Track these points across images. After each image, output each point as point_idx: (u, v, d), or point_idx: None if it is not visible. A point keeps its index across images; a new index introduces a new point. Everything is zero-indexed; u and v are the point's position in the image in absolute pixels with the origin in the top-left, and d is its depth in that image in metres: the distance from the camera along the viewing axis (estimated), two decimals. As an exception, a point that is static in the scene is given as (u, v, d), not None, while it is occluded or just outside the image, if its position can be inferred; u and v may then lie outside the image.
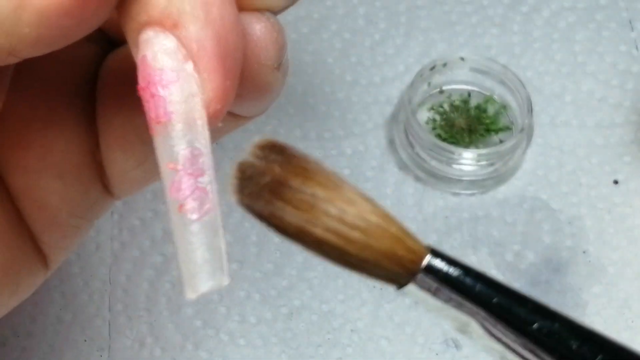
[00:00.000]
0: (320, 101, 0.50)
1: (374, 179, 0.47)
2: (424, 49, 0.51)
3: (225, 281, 0.23)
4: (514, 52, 0.51)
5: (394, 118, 0.49)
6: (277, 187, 0.24)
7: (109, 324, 0.43)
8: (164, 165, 0.23)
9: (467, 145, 0.47)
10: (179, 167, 0.23)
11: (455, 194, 0.47)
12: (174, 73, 0.23)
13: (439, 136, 0.47)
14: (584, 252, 0.45)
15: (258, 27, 0.25)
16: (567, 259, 0.45)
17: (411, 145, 0.47)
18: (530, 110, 0.47)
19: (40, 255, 0.30)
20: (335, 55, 0.51)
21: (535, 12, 0.52)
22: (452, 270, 0.25)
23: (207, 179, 0.23)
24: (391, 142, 0.48)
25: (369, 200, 0.25)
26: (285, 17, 0.54)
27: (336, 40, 0.51)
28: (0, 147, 0.28)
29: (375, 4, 0.52)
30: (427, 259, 0.24)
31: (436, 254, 0.25)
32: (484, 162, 0.46)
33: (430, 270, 0.24)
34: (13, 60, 0.24)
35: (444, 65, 0.49)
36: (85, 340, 0.43)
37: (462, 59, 0.49)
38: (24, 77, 0.28)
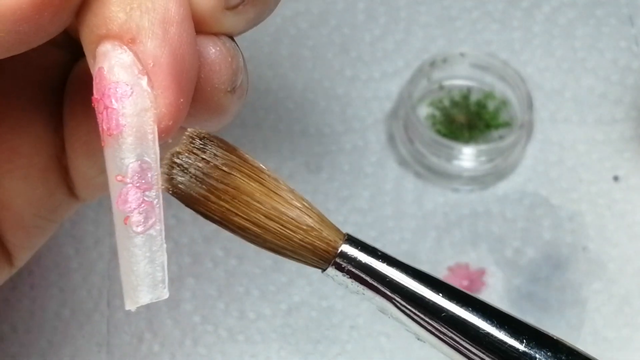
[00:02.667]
0: (319, 96, 0.49)
1: (373, 174, 0.47)
2: (423, 44, 0.51)
3: (165, 295, 0.23)
4: (514, 48, 0.51)
5: (393, 114, 0.49)
6: (203, 178, 0.25)
7: (108, 320, 0.43)
8: (113, 177, 0.23)
9: (466, 141, 0.47)
10: (127, 179, 0.23)
11: (455, 190, 0.47)
12: (129, 87, 0.23)
13: (438, 132, 0.47)
14: (583, 248, 0.45)
15: (213, 50, 0.25)
16: (567, 255, 0.45)
17: (411, 141, 0.47)
18: (530, 106, 0.47)
19: (5, 253, 0.30)
20: (334, 50, 0.51)
21: (535, 7, 0.52)
22: (365, 257, 0.27)
23: (154, 193, 0.23)
24: (391, 138, 0.48)
25: (290, 191, 0.27)
26: (284, 13, 0.54)
27: (336, 36, 0.51)
28: None
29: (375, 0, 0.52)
30: (341, 247, 0.27)
31: (353, 241, 0.27)
32: (483, 158, 0.46)
33: (345, 257, 0.27)
34: None
35: (444, 60, 0.49)
36: (83, 336, 0.43)
37: (462, 54, 0.49)
38: None
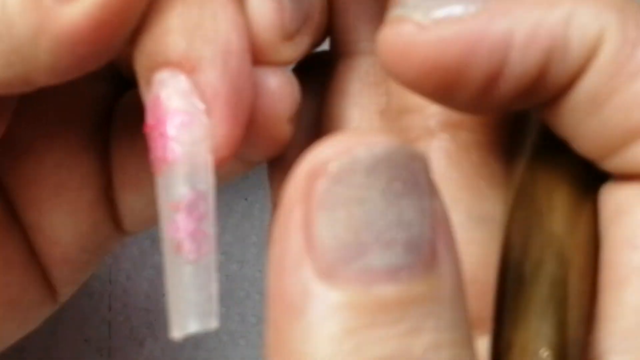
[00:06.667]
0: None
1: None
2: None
3: (214, 325, 0.23)
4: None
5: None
6: None
7: (109, 324, 0.43)
8: (165, 204, 0.23)
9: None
10: (181, 208, 0.23)
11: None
12: (186, 115, 0.23)
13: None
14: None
15: (274, 80, 0.25)
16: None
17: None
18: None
19: (49, 288, 0.30)
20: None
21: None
22: None
23: (207, 222, 0.23)
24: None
25: None
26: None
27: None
28: (15, 182, 0.29)
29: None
30: None
31: None
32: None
33: None
34: (26, 88, 0.24)
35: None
36: (85, 340, 0.43)
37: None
38: (39, 113, 0.28)
